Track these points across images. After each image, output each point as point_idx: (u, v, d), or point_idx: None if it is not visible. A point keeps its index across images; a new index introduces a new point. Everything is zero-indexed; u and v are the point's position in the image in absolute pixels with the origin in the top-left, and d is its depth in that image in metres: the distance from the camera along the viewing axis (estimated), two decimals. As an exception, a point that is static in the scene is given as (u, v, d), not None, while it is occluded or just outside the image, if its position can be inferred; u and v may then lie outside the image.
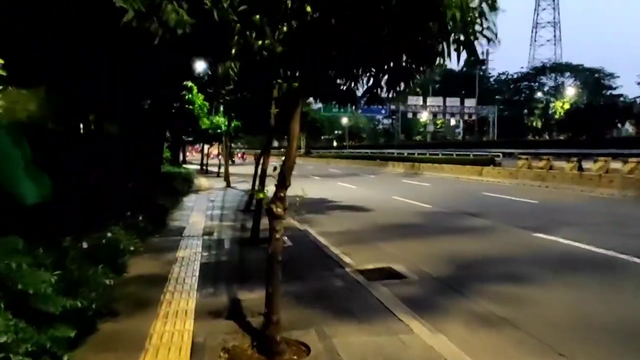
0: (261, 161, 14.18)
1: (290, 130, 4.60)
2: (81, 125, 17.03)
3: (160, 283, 6.35)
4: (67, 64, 11.19)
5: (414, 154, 51.73)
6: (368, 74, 5.23)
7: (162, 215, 10.93)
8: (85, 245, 5.33)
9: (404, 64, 4.81)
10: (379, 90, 5.34)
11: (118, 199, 10.63)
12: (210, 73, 20.52)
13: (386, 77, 5.06)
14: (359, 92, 5.61)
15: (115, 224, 7.40)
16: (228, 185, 23.28)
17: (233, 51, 8.04)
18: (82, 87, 12.32)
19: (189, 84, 23.93)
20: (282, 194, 4.58)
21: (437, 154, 46.51)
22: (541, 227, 11.74)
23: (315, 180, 29.68)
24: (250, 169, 40.78)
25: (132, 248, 6.82)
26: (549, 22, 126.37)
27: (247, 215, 13.10)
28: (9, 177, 9.30)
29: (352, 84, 5.66)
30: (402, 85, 5.01)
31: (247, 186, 23.40)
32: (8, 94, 13.08)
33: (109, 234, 6.44)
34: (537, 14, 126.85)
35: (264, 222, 9.56)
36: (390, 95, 5.28)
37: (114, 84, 14.09)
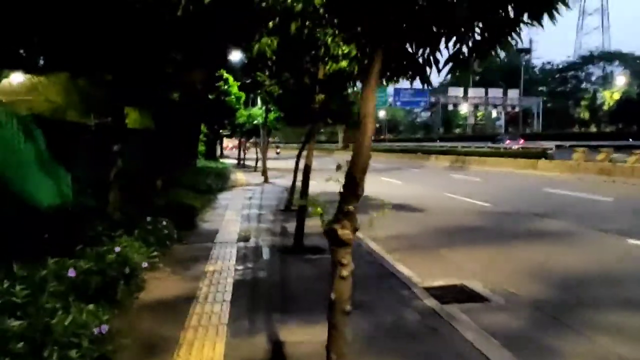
0: (303, 155, 12.84)
1: (363, 117, 3.13)
2: (109, 119, 15.96)
3: (181, 313, 4.95)
4: (89, 44, 9.93)
5: (456, 147, 49.56)
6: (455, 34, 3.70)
7: (191, 216, 9.61)
8: (72, 273, 3.95)
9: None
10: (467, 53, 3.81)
11: (141, 200, 9.38)
12: (245, 61, 19.25)
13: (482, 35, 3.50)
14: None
15: (129, 233, 6.09)
16: (266, 180, 21.98)
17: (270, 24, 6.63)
18: (108, 68, 11.11)
19: (224, 74, 22.78)
20: (350, 208, 3.11)
21: (483, 147, 44.29)
22: (633, 231, 9.97)
23: (357, 175, 28.21)
24: (289, 164, 39.44)
25: (145, 264, 5.44)
26: (596, 10, 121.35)
27: (288, 216, 11.71)
28: (17, 176, 8.12)
29: (430, 51, 4.07)
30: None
31: (286, 182, 22.05)
32: (22, 82, 11.98)
33: (117, 248, 5.08)
34: (584, 1, 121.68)
35: (309, 223, 8.21)
36: (479, 61, 3.77)
37: (139, 68, 12.91)
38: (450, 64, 3.74)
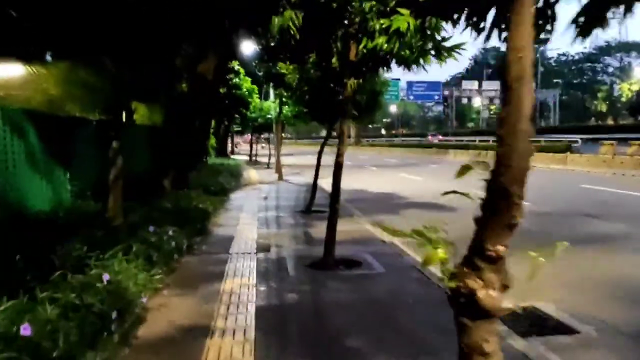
0: (333, 151, 11.63)
1: (514, 80, 1.90)
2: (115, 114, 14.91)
3: (190, 356, 3.77)
4: (91, 28, 8.75)
5: (474, 140, 48.09)
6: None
7: (202, 221, 8.44)
8: (27, 331, 2.72)
9: None
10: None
11: (147, 203, 8.23)
12: (259, 49, 18.08)
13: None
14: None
15: (126, 250, 4.91)
16: (280, 178, 20.79)
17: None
18: (113, 56, 10.01)
19: (235, 65, 21.63)
20: (499, 250, 1.90)
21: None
22: None
23: (373, 172, 26.91)
24: (302, 160, 38.27)
25: (143, 299, 4.22)
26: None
27: (309, 219, 10.53)
28: None
29: None
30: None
31: (302, 179, 20.90)
32: (17, 72, 10.84)
33: (106, 276, 3.89)
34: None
35: (340, 228, 7.00)
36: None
37: (147, 57, 11.82)
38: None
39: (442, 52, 6.55)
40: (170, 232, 6.27)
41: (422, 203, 14.00)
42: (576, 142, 33.46)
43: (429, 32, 6.38)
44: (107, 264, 4.20)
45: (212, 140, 27.36)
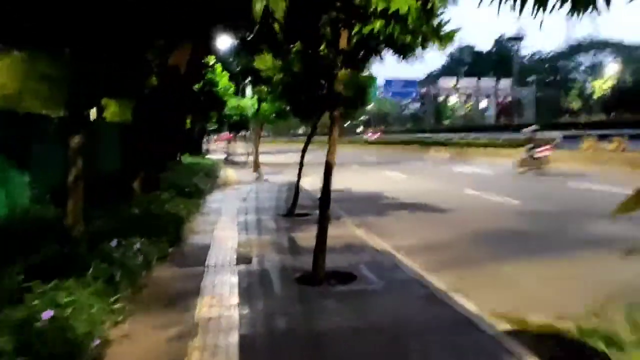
0: (307, 150, 10.83)
1: None
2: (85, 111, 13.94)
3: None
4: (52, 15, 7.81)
5: (452, 138, 47.74)
6: None
7: (175, 228, 7.59)
8: None
9: None
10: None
11: (112, 209, 7.35)
12: (236, 44, 17.22)
13: None
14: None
15: (84, 267, 4.07)
16: (259, 177, 19.95)
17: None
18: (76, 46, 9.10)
19: (211, 61, 20.69)
20: None
21: (483, 137, 42.48)
22: None
23: (356, 170, 26.18)
24: (280, 158, 37.40)
25: (96, 342, 3.37)
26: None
27: (293, 223, 9.74)
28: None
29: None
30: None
31: (282, 178, 20.05)
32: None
33: (48, 313, 3.03)
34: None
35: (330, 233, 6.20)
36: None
37: (114, 47, 10.92)
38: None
39: (443, 36, 5.85)
40: (138, 245, 5.43)
41: (409, 203, 13.32)
42: (555, 138, 33.27)
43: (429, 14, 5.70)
44: (54, 294, 3.36)
45: (187, 140, 26.37)
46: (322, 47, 6.54)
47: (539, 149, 21.32)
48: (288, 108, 10.77)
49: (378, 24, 5.56)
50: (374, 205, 12.98)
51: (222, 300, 5.04)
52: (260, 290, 5.47)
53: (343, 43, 6.03)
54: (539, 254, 7.51)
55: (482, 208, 12.38)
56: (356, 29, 5.66)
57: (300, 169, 10.62)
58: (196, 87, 20.67)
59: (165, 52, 13.93)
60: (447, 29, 5.86)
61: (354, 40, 5.99)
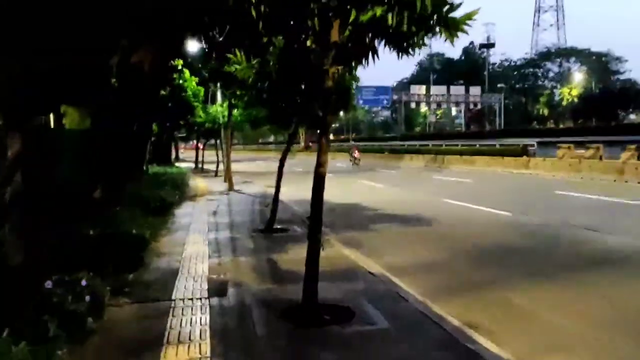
0: (284, 157, 9.88)
1: None
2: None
3: None
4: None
5: (427, 145, 47.35)
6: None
7: (136, 252, 6.52)
8: None
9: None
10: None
11: (61, 231, 6.25)
12: (205, 45, 16.18)
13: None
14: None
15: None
16: (231, 187, 18.82)
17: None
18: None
19: (179, 64, 19.54)
20: None
21: (457, 145, 42.08)
22: None
23: (330, 178, 25.16)
24: (251, 166, 36.12)
25: None
26: (551, 6, 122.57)
27: (273, 241, 8.73)
28: None
29: None
30: None
31: (256, 189, 18.99)
32: None
33: None
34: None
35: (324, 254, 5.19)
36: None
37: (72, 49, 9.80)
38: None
39: (453, 24, 4.95)
40: (84, 283, 4.35)
41: (393, 215, 12.47)
42: (532, 145, 33.00)
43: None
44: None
45: (153, 148, 25.08)
46: (308, 42, 5.60)
47: (355, 153, 38.71)
48: (262, 115, 9.76)
49: (379, 11, 4.65)
50: (356, 219, 12.08)
51: (190, 350, 4.02)
52: (238, 333, 4.46)
53: (334, 35, 5.10)
54: (546, 277, 6.70)
55: (470, 220, 11.60)
56: (352, 17, 4.74)
57: (278, 180, 9.62)
58: (163, 92, 19.50)
59: (128, 51, 12.84)
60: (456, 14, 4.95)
61: (346, 33, 5.08)
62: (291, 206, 13.57)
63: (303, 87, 8.67)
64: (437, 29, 4.95)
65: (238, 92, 10.10)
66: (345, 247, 8.29)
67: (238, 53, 8.90)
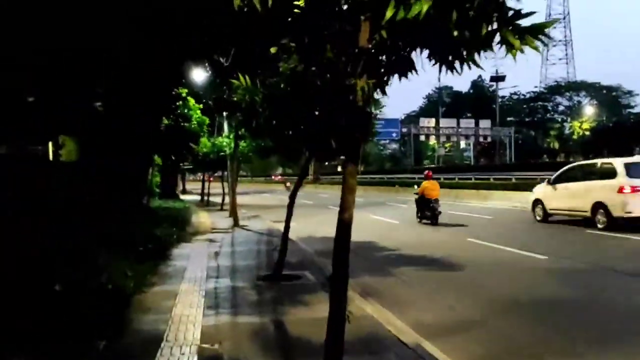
0: (296, 189, 8.68)
1: None
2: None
3: None
4: None
5: (438, 178, 46.08)
6: None
7: (111, 312, 5.27)
8: None
9: None
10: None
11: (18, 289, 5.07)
12: (209, 70, 15.22)
13: None
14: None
15: None
16: (236, 223, 17.59)
17: None
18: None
19: (184, 92, 18.59)
20: None
21: (470, 178, 40.92)
22: None
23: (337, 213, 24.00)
24: (257, 199, 34.72)
25: None
26: (560, 41, 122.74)
27: (280, 292, 7.45)
28: None
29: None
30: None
31: (263, 225, 17.77)
32: None
33: None
34: (549, 32, 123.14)
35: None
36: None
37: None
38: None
39: (523, 32, 3.76)
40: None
41: (414, 257, 11.20)
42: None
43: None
44: None
45: (156, 178, 23.97)
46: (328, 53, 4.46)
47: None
48: (270, 145, 8.61)
49: (425, 6, 3.49)
50: (374, 261, 10.82)
51: None
52: None
53: (363, 39, 3.95)
54: (610, 341, 5.43)
55: (502, 263, 10.31)
56: (389, 13, 3.58)
57: (288, 218, 8.38)
58: (166, 121, 18.50)
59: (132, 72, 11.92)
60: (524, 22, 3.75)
61: (378, 38, 3.94)
62: (300, 245, 12.35)
63: (317, 111, 7.55)
64: (498, 38, 3.73)
65: (241, 118, 8.91)
66: (366, 300, 7.03)
67: (242, 78, 7.84)
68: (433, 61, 4.23)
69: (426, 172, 22.78)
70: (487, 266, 10.10)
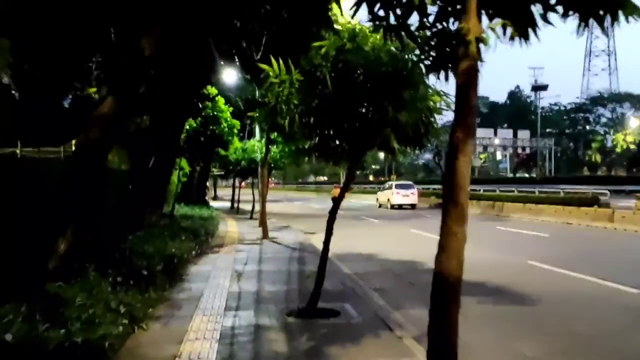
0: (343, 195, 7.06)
1: None
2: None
3: None
4: None
5: (478, 190, 43.67)
6: None
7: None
8: None
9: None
10: None
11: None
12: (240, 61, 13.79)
13: None
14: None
15: None
16: (265, 235, 16.06)
17: None
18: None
19: (212, 91, 17.23)
20: None
21: (512, 191, 38.55)
22: None
23: (375, 225, 22.28)
24: (290, 207, 33.01)
25: None
26: (603, 51, 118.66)
27: (315, 336, 5.81)
28: None
29: None
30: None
31: (294, 237, 16.20)
32: None
33: None
34: (590, 42, 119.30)
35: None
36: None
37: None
38: None
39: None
40: None
41: (473, 284, 9.41)
42: (604, 194, 29.29)
43: None
44: None
45: (180, 186, 22.65)
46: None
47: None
48: (307, 147, 6.97)
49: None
50: (425, 290, 9.07)
51: None
52: None
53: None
54: None
55: (579, 296, 8.53)
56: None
57: (327, 238, 6.73)
58: (192, 123, 17.16)
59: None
60: None
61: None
62: (335, 263, 10.70)
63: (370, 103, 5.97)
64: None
65: (271, 119, 7.27)
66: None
67: (274, 62, 6.28)
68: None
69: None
70: (561, 299, 8.33)
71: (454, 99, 6.54)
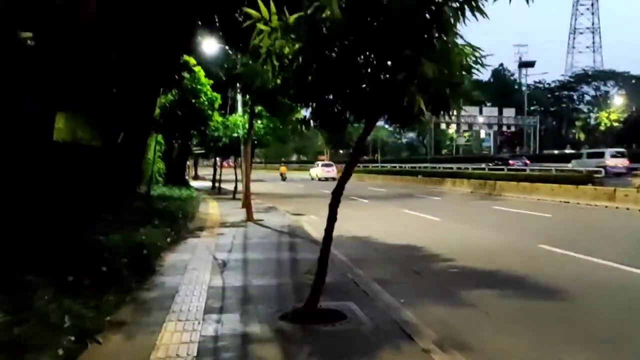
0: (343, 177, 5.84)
1: None
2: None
3: None
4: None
5: (467, 168, 42.69)
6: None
7: None
8: None
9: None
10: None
11: None
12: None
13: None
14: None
15: None
16: (250, 217, 14.80)
17: None
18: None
19: (191, 61, 15.76)
20: None
21: (502, 169, 37.73)
22: None
23: (367, 206, 21.12)
24: (274, 187, 31.67)
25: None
26: (587, 28, 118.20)
27: (316, 349, 4.62)
28: None
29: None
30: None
31: (281, 219, 14.93)
32: None
33: None
34: (575, 19, 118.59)
35: None
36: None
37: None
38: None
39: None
40: None
41: (483, 272, 8.38)
42: (598, 171, 28.54)
43: None
44: None
45: (160, 165, 21.23)
46: None
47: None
48: (306, 117, 5.65)
49: None
50: (431, 278, 7.99)
51: None
52: None
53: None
54: None
55: (603, 285, 7.50)
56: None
57: (329, 227, 5.50)
58: (170, 96, 15.73)
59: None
60: None
61: None
62: (333, 251, 9.52)
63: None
64: None
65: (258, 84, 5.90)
66: (450, 355, 4.22)
67: (262, 7, 4.98)
68: None
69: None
70: (585, 288, 7.30)
71: (484, 54, 5.34)
